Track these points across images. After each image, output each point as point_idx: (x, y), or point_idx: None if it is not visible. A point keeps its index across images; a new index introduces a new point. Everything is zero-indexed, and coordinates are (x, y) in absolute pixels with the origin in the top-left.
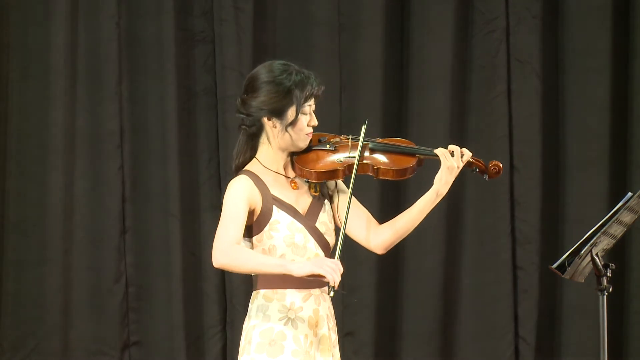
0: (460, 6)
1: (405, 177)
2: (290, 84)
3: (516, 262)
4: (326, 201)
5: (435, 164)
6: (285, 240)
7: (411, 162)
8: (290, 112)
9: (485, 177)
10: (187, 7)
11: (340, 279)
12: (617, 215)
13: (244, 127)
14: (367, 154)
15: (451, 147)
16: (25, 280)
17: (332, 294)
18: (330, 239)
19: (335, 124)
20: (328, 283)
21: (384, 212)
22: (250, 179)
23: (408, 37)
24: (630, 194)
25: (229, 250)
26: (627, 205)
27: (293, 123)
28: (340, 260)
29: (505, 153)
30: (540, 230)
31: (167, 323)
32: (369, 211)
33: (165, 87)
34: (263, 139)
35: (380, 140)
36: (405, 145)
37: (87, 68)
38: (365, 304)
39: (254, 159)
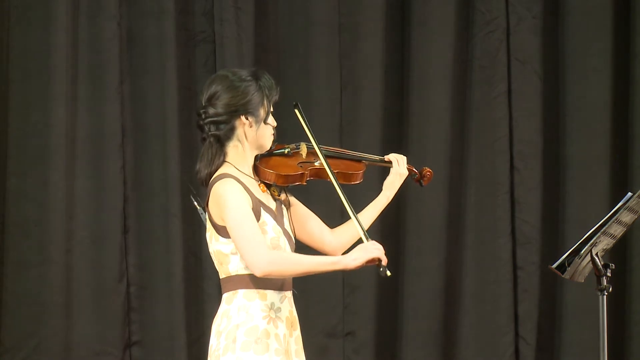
0: (460, 6)
1: (356, 182)
2: (258, 81)
3: (516, 262)
4: (283, 206)
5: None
6: (272, 242)
7: (362, 167)
8: (263, 108)
9: (422, 182)
10: (188, 7)
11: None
12: (617, 215)
13: (213, 134)
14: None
15: (396, 155)
16: (27, 280)
17: (388, 273)
18: (295, 240)
19: (335, 124)
20: (380, 265)
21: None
22: (237, 182)
23: (408, 37)
24: (630, 194)
25: (273, 258)
26: (627, 205)
27: (266, 117)
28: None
29: (505, 153)
30: (540, 230)
31: (168, 322)
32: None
33: (166, 87)
34: (234, 142)
35: (332, 149)
36: (353, 152)
37: (88, 68)
38: (365, 304)
39: (226, 163)
